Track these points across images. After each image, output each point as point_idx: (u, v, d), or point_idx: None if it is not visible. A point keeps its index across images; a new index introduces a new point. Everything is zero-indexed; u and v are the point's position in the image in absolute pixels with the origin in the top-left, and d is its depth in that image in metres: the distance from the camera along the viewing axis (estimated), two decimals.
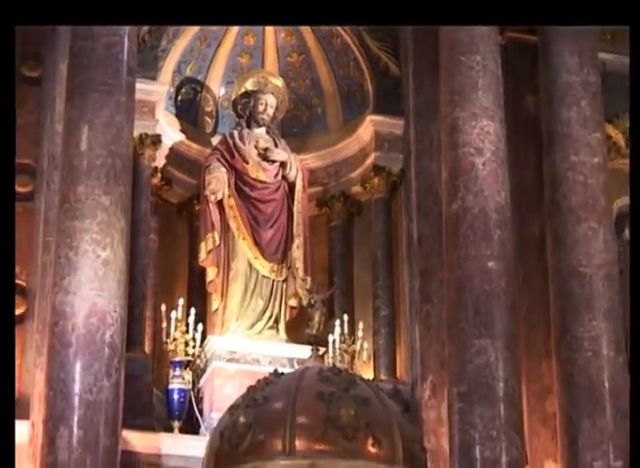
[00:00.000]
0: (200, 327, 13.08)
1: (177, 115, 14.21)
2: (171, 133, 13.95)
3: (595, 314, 12.20)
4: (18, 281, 12.14)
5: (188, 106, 14.46)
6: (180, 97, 14.35)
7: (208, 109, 14.62)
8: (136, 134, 12.64)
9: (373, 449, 10.35)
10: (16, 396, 11.75)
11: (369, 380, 12.03)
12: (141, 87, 12.74)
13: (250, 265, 13.54)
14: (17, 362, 11.91)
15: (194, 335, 12.97)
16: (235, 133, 14.05)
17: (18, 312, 12.07)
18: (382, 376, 13.35)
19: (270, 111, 14.17)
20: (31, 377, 11.77)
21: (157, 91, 13.65)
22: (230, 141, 13.96)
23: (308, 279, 13.58)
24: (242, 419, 10.57)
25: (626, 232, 13.81)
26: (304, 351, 11.66)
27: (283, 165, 13.91)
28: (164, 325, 12.94)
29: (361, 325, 13.59)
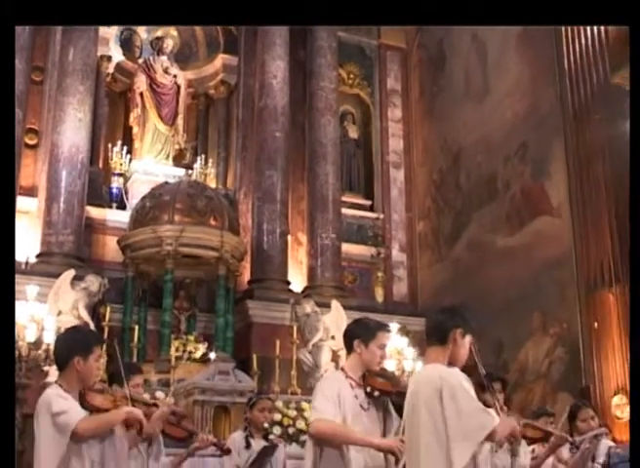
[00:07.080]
0: (128, 156, 12.50)
1: (121, 46, 13.31)
2: (117, 55, 13.10)
3: (327, 161, 12.14)
4: (32, 126, 11.41)
5: (127, 42, 13.52)
6: (122, 37, 13.42)
7: (137, 44, 13.67)
8: (98, 54, 11.96)
9: (213, 222, 10.34)
10: (30, 185, 11.14)
11: (213, 188, 11.91)
12: (102, 30, 11.97)
13: (155, 126, 12.91)
14: (36, 178, 11.22)
15: (125, 160, 12.41)
16: (151, 57, 13.25)
17: (32, 143, 11.34)
18: (220, 186, 12.98)
19: (170, 48, 13.42)
20: (39, 177, 11.13)
21: (110, 32, 12.78)
22: (148, 62, 13.17)
23: (185, 135, 13.08)
24: (148, 204, 10.38)
25: (345, 123, 13.58)
26: (181, 172, 11.49)
27: (175, 76, 13.26)
28: (110, 153, 12.35)
29: (211, 160, 13.18)
